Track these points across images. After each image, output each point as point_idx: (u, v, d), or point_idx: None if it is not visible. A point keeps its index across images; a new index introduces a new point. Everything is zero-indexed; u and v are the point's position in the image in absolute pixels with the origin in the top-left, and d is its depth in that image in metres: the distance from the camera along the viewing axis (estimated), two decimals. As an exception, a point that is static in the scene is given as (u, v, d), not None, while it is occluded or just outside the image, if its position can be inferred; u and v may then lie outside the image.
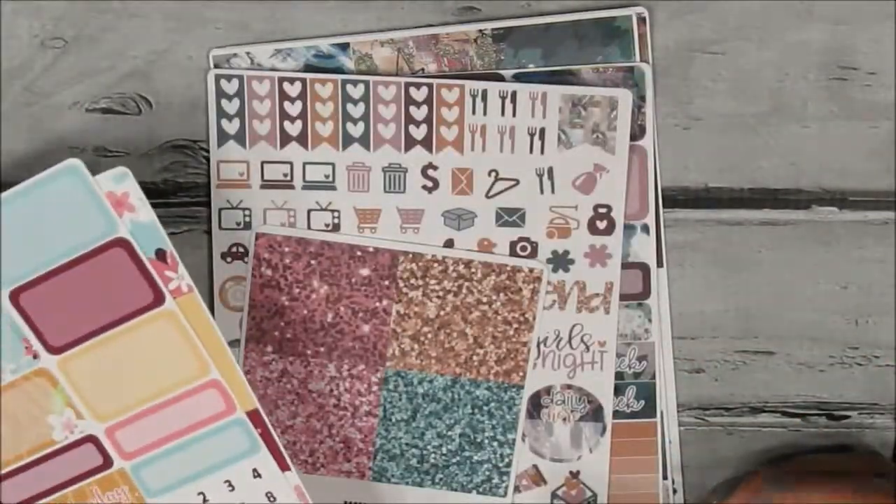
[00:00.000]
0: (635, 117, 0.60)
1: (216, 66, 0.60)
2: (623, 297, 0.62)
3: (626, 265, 0.62)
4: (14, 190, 0.54)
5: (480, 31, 0.60)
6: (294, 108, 0.60)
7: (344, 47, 0.60)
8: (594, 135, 0.60)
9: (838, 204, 0.61)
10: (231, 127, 0.60)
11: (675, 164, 0.61)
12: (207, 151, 0.60)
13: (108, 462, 0.58)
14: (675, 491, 0.64)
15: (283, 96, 0.60)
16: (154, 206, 0.60)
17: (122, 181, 0.54)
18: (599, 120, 0.60)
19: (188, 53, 0.60)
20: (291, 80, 0.60)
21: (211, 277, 0.61)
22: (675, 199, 0.61)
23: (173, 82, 0.60)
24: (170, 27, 0.59)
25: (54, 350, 0.56)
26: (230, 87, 0.60)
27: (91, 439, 0.57)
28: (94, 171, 0.60)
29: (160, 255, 0.55)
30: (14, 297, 0.55)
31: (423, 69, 0.60)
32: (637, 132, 0.60)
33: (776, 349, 0.62)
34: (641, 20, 0.60)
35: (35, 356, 0.56)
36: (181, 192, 0.61)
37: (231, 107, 0.60)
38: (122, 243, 0.54)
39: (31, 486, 0.58)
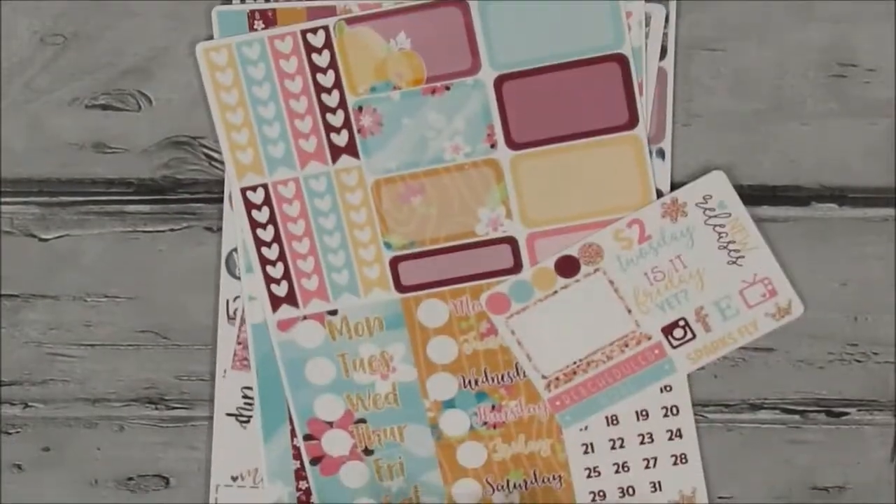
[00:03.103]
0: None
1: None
2: (622, 294, 0.62)
3: (625, 262, 0.61)
4: None
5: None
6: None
7: (344, 44, 0.60)
8: None
9: (838, 201, 0.61)
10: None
11: (675, 162, 0.61)
12: (207, 148, 0.60)
13: (517, 267, 0.57)
14: (674, 487, 0.64)
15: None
16: (153, 202, 0.61)
17: None
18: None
19: (187, 50, 0.60)
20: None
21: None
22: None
23: (173, 79, 0.60)
24: (169, 25, 0.59)
25: (514, 145, 0.55)
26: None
27: (510, 241, 0.57)
28: (93, 168, 0.61)
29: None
30: (498, 83, 0.54)
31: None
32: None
33: (775, 346, 0.62)
34: (641, 17, 0.59)
35: (493, 146, 0.56)
36: (181, 189, 0.61)
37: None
38: (620, 59, 0.54)
39: (433, 272, 0.57)
